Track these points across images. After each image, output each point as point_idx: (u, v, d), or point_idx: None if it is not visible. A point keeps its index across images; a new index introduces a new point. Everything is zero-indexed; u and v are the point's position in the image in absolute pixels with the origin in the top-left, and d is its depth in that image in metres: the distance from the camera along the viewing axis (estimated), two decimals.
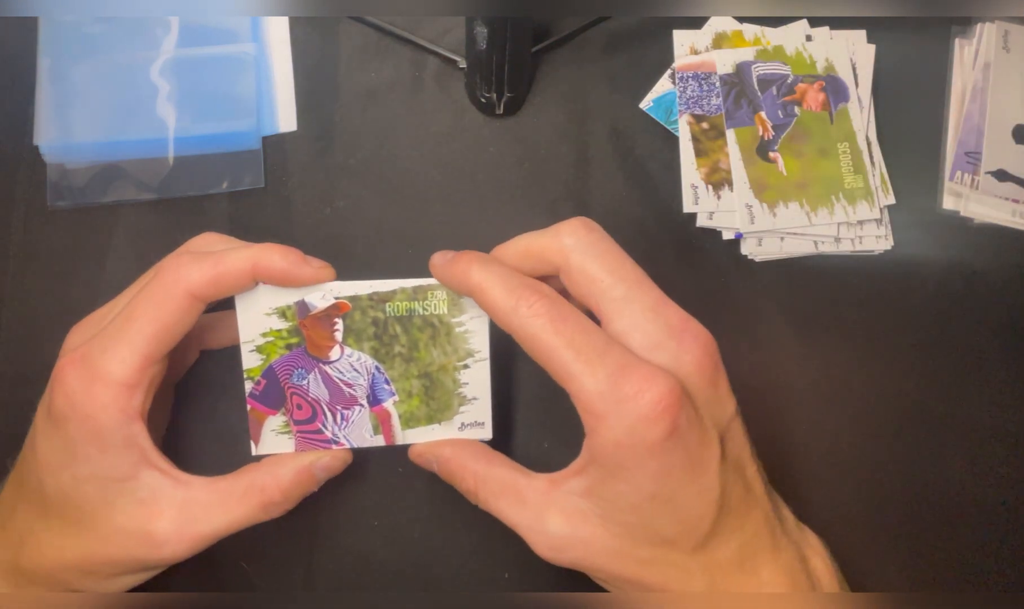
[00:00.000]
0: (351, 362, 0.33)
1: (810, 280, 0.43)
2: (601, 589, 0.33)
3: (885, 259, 0.43)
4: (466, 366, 0.34)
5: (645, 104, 0.45)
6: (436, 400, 0.34)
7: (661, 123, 0.44)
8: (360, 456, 0.40)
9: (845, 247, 0.43)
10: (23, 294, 0.41)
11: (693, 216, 0.43)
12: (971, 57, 0.46)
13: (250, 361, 0.33)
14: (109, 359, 0.30)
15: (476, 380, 0.34)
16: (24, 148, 0.42)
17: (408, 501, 0.40)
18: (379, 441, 0.34)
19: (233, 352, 0.39)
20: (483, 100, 0.44)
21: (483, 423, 0.35)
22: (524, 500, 0.32)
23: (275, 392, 0.33)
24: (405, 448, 0.40)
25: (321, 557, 0.39)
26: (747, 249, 0.43)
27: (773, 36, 0.46)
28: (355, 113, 0.44)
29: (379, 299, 0.33)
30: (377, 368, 0.33)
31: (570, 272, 0.31)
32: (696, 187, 0.43)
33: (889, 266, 0.43)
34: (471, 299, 0.32)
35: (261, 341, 0.33)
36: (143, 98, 0.43)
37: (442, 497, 0.40)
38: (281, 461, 0.33)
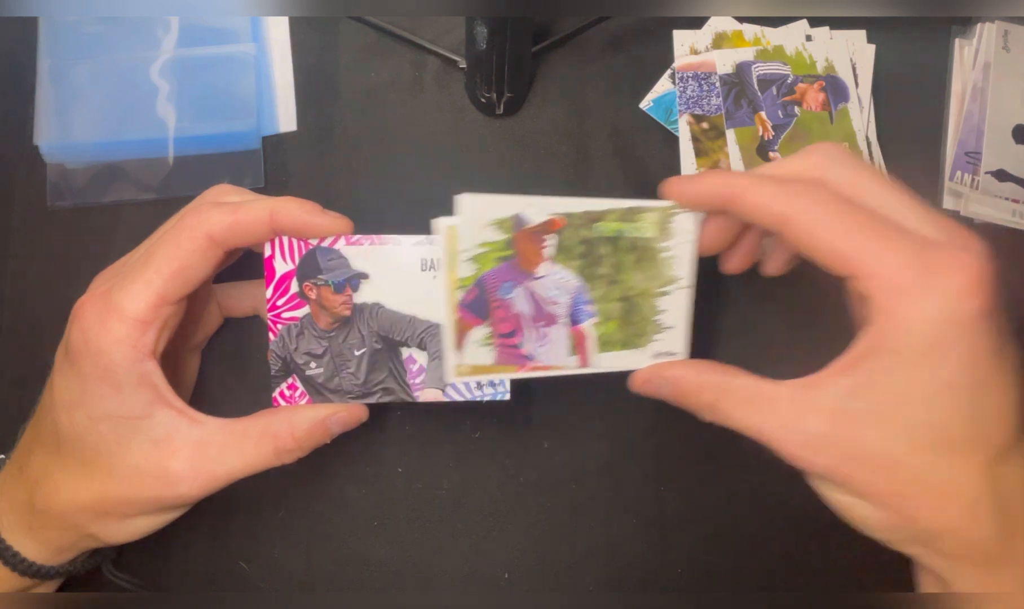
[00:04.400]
0: (556, 280, 0.33)
1: (810, 280, 0.43)
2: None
3: None
4: (665, 293, 0.33)
5: (645, 104, 0.45)
6: (633, 325, 0.34)
7: (661, 123, 0.44)
8: (361, 455, 0.40)
9: None
10: (23, 294, 0.41)
11: None
12: (971, 57, 0.46)
13: (464, 270, 0.32)
14: (125, 295, 0.30)
15: (675, 308, 0.34)
16: (24, 148, 0.42)
17: (408, 501, 0.40)
18: (573, 363, 0.34)
19: (255, 321, 0.40)
20: (483, 100, 0.44)
21: (676, 354, 0.34)
22: (773, 404, 0.29)
23: (483, 303, 0.33)
24: (405, 448, 0.40)
25: (321, 557, 0.39)
26: None
27: (773, 36, 0.46)
28: (355, 113, 0.44)
29: (591, 218, 0.32)
30: (580, 288, 0.33)
31: (828, 185, 0.29)
32: None
33: None
34: (682, 224, 0.32)
35: (477, 251, 0.32)
36: (143, 98, 0.43)
37: (442, 498, 0.40)
38: (298, 410, 0.33)
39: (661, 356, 0.34)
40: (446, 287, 0.32)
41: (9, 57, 0.44)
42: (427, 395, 0.34)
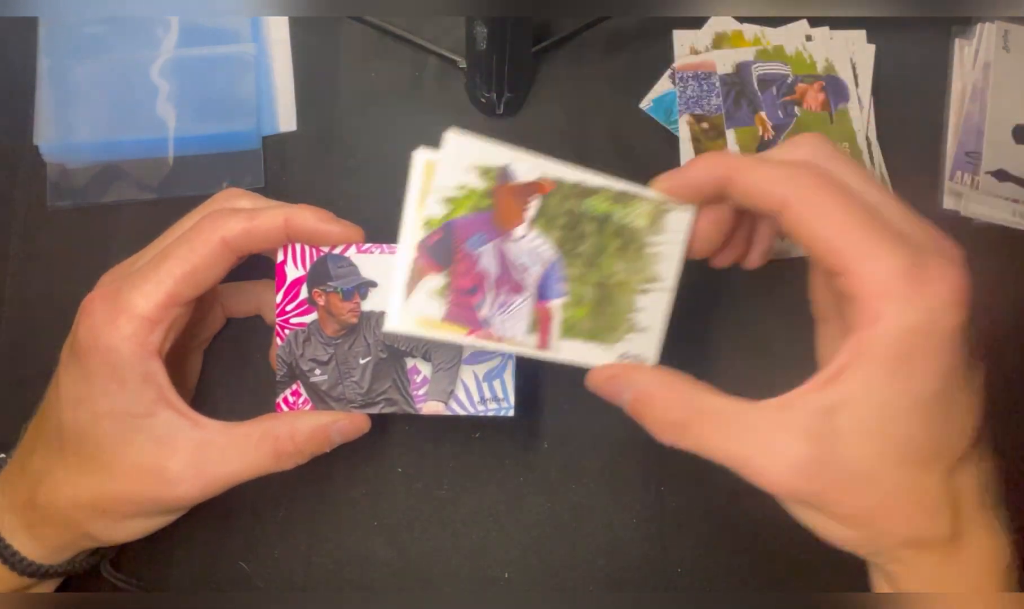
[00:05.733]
0: (532, 245, 0.31)
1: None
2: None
3: None
4: (646, 291, 0.31)
5: (645, 104, 0.45)
6: (605, 317, 0.31)
7: (661, 123, 0.44)
8: (361, 455, 0.40)
9: None
10: (23, 294, 0.41)
11: None
12: (971, 57, 0.46)
13: (434, 210, 0.30)
14: (135, 293, 0.31)
15: (652, 309, 0.31)
16: (24, 148, 0.42)
17: (408, 501, 0.40)
18: (531, 342, 0.31)
19: (257, 321, 0.40)
20: (483, 100, 0.44)
21: (646, 359, 0.32)
22: (752, 427, 0.28)
23: (446, 250, 0.30)
24: (405, 448, 0.40)
25: (321, 557, 0.39)
26: None
27: (773, 36, 0.46)
28: (355, 113, 0.44)
29: (582, 191, 0.30)
30: (556, 261, 0.31)
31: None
32: None
33: None
34: (673, 222, 0.31)
35: (453, 193, 0.30)
36: (143, 98, 0.43)
37: (442, 497, 0.40)
38: (300, 415, 0.33)
39: (628, 358, 0.32)
40: (409, 222, 0.30)
41: (9, 57, 0.44)
42: (430, 408, 0.34)
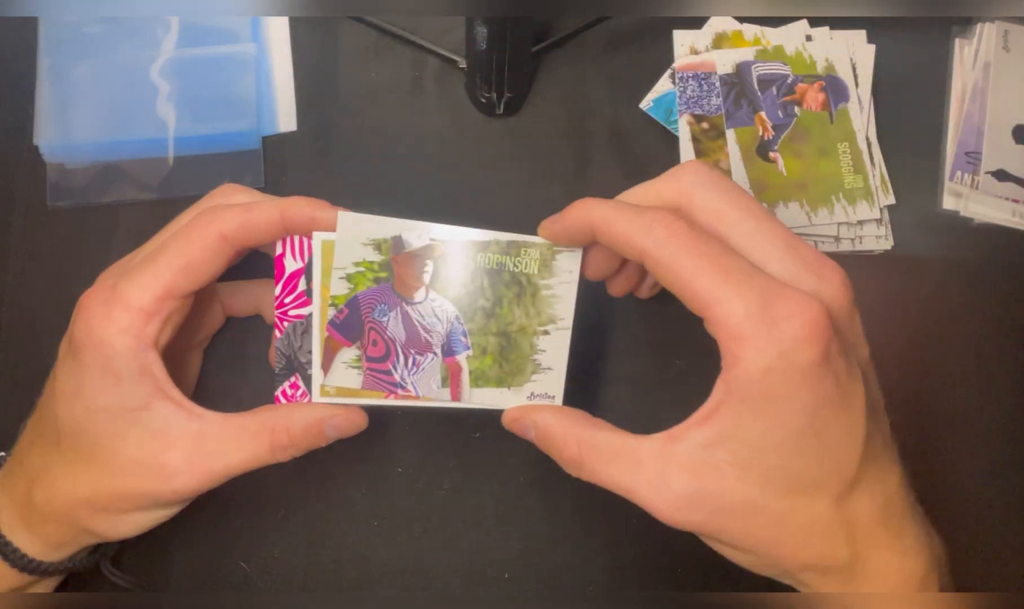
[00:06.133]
0: (433, 307, 0.33)
1: None
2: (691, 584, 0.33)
3: (885, 259, 0.43)
4: (546, 332, 0.33)
5: (645, 104, 0.45)
6: (510, 362, 0.33)
7: (661, 123, 0.44)
8: (361, 455, 0.40)
9: (845, 247, 0.43)
10: (23, 294, 0.41)
11: None
12: (971, 57, 0.46)
13: (338, 288, 0.32)
14: (131, 286, 0.31)
15: (554, 349, 0.33)
16: (24, 148, 0.42)
17: (408, 501, 0.40)
18: (445, 395, 0.33)
19: (257, 320, 0.40)
20: (483, 100, 0.44)
21: (553, 397, 0.33)
22: (639, 462, 0.29)
23: (355, 324, 0.33)
24: (405, 448, 0.40)
25: (321, 557, 0.39)
26: None
27: (773, 36, 0.46)
28: (355, 113, 0.44)
29: (473, 248, 0.32)
30: (458, 318, 0.33)
31: (693, 211, 0.30)
32: None
33: (889, 266, 0.43)
34: (563, 263, 0.32)
35: (352, 270, 0.32)
36: (143, 98, 0.43)
37: (442, 498, 0.40)
38: (297, 408, 0.33)
39: (537, 397, 0.33)
40: (318, 304, 0.32)
41: (9, 57, 0.44)
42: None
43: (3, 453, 0.36)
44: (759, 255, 0.29)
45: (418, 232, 0.32)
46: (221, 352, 0.40)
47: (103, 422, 0.31)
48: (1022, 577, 0.40)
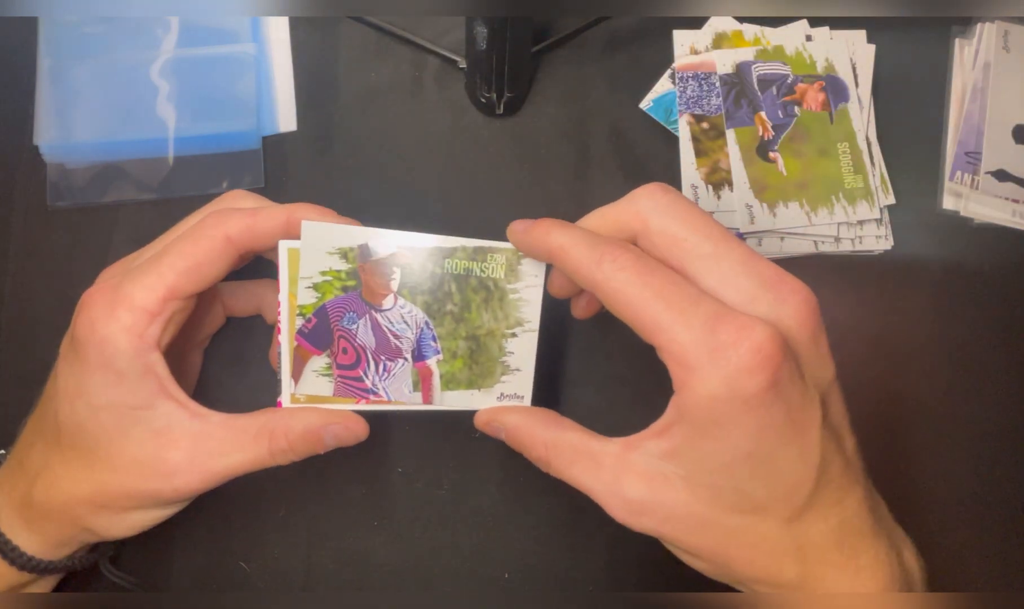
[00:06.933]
0: (402, 313, 0.33)
1: (810, 280, 0.43)
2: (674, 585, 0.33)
3: (885, 259, 0.43)
4: (514, 335, 0.34)
5: (645, 104, 0.45)
6: (479, 365, 0.34)
7: (661, 123, 0.44)
8: (361, 455, 0.40)
9: (845, 247, 0.43)
10: (23, 294, 0.41)
11: None
12: (971, 57, 0.46)
13: (305, 297, 0.32)
14: (135, 286, 0.31)
15: (522, 351, 0.34)
16: (24, 148, 0.42)
17: (408, 501, 0.40)
18: (416, 399, 0.34)
19: (257, 320, 0.40)
20: (483, 100, 0.44)
21: (523, 397, 0.34)
22: (599, 464, 0.30)
23: (324, 332, 0.33)
24: (405, 448, 0.40)
25: (321, 557, 0.39)
26: None
27: (773, 36, 0.46)
28: (355, 113, 0.44)
29: (439, 254, 0.33)
30: (427, 323, 0.33)
31: (650, 235, 0.30)
32: (696, 187, 0.43)
33: (889, 266, 0.43)
34: (529, 267, 0.33)
35: (319, 279, 0.32)
36: (143, 98, 0.43)
37: (442, 498, 0.40)
38: (298, 413, 0.33)
39: (507, 398, 0.34)
40: (284, 313, 0.32)
41: (9, 57, 0.44)
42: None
43: (3, 451, 0.36)
44: (716, 278, 0.29)
45: (385, 239, 0.32)
46: (221, 352, 0.40)
47: (105, 420, 0.31)
48: (1017, 578, 0.40)
